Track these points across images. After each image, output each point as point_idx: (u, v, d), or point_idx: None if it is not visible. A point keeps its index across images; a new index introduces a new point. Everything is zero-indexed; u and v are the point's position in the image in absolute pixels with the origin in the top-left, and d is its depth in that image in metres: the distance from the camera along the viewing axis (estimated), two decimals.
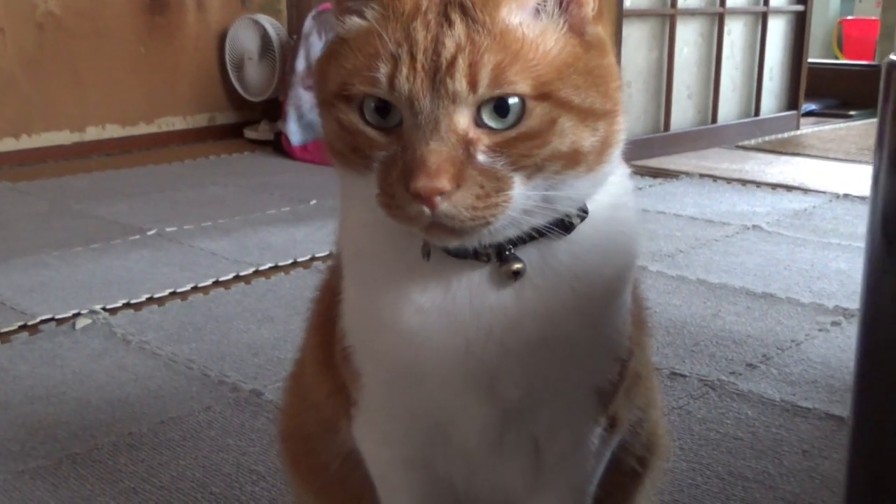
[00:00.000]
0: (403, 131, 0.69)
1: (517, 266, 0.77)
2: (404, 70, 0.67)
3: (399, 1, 0.69)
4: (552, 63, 0.69)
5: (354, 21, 0.72)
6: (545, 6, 0.71)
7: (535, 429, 0.87)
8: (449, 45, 0.67)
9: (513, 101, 0.68)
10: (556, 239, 0.77)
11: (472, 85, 0.67)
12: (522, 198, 0.70)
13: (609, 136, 0.73)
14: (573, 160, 0.71)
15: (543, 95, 0.68)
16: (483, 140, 0.68)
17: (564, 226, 0.77)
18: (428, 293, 0.78)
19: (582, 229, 0.78)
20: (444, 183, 0.66)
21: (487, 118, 0.68)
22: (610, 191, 0.79)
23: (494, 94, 0.67)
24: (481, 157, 0.68)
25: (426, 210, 0.67)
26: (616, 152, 0.75)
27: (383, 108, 0.69)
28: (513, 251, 0.77)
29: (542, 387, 0.82)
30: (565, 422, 0.87)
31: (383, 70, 0.68)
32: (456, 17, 0.68)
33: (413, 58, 0.67)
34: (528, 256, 0.77)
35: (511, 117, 0.68)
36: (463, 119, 0.68)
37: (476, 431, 0.85)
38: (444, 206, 0.67)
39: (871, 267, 0.96)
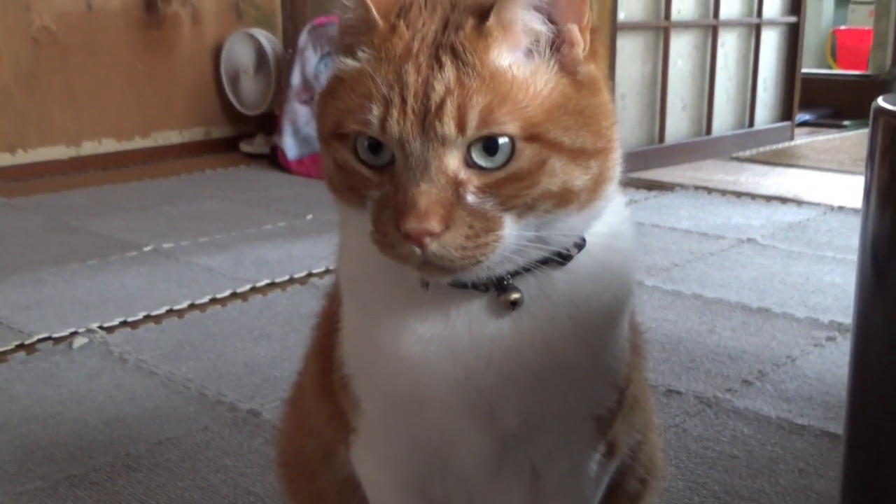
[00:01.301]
0: (395, 171, 0.70)
1: (515, 296, 0.77)
2: (395, 113, 0.68)
3: (391, 43, 0.71)
4: (542, 104, 0.70)
5: (350, 61, 0.73)
6: (537, 47, 0.72)
7: (534, 455, 0.87)
8: (438, 88, 0.68)
9: (502, 141, 0.69)
10: (554, 269, 0.78)
11: (461, 127, 0.68)
12: (514, 237, 0.71)
13: (602, 174, 0.74)
14: (565, 199, 0.72)
15: (533, 137, 0.69)
16: (473, 181, 0.69)
17: (562, 256, 0.78)
18: (427, 322, 0.79)
19: (579, 259, 0.79)
20: (434, 224, 0.67)
21: (477, 158, 0.69)
22: (607, 220, 0.80)
23: (483, 133, 0.68)
24: (471, 198, 0.69)
25: (417, 250, 0.68)
26: (610, 187, 0.76)
27: (376, 146, 0.70)
28: (511, 281, 0.77)
29: (541, 415, 0.83)
30: (564, 448, 0.88)
31: (375, 112, 0.69)
32: (446, 60, 0.69)
33: (404, 100, 0.68)
34: (526, 286, 0.78)
35: (500, 157, 0.69)
36: (453, 160, 0.69)
37: (475, 457, 0.86)
38: (433, 246, 0.68)
39: (861, 297, 0.98)
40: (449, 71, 0.68)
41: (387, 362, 0.81)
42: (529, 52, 0.72)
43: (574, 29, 0.73)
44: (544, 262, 0.76)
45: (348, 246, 0.85)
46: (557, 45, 0.72)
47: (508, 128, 0.68)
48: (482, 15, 0.71)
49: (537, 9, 0.71)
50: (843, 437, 1.01)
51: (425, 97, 0.68)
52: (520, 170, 0.69)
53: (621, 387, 0.88)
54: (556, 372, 0.80)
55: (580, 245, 0.79)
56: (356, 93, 0.71)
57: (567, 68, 0.72)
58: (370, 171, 0.71)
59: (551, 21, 0.72)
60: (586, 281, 0.80)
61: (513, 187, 0.70)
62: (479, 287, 0.77)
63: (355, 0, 0.73)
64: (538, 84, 0.70)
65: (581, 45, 0.73)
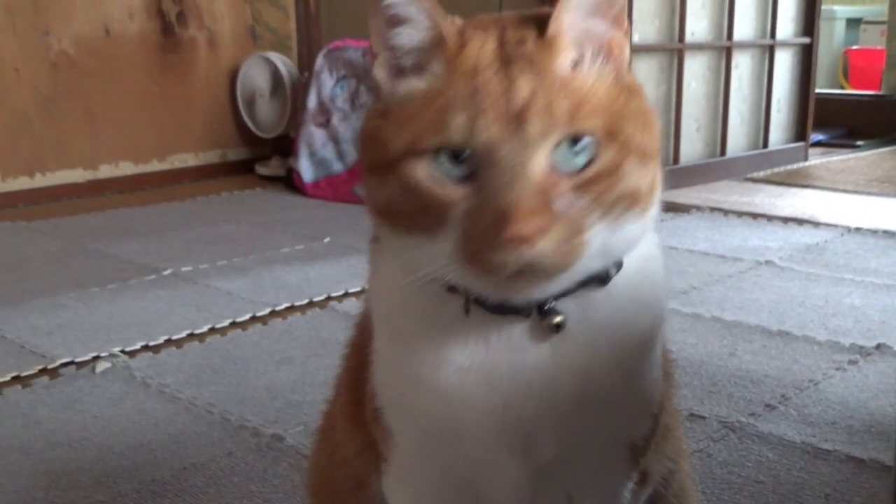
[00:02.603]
0: (482, 181, 0.69)
1: (559, 319, 0.77)
2: (481, 118, 0.68)
3: (462, 58, 0.72)
4: (610, 106, 0.72)
5: (412, 81, 0.74)
6: (594, 53, 0.74)
7: (569, 485, 0.87)
8: (521, 92, 0.69)
9: (587, 140, 0.70)
10: (594, 291, 0.78)
11: (549, 127, 0.68)
12: (597, 241, 0.72)
13: (655, 177, 0.75)
14: (634, 200, 0.73)
15: (611, 135, 0.71)
16: (562, 183, 0.69)
17: (601, 278, 0.78)
18: (467, 351, 0.79)
19: (617, 281, 0.79)
20: (533, 227, 0.67)
21: (563, 161, 0.69)
22: (641, 243, 0.81)
23: (570, 132, 0.69)
24: (561, 201, 0.69)
25: (515, 256, 0.67)
26: (659, 196, 0.77)
27: (455, 161, 0.70)
28: (553, 305, 0.77)
29: (578, 443, 0.83)
30: (599, 478, 0.88)
31: (459, 120, 0.69)
32: (523, 67, 0.70)
33: (488, 106, 0.69)
34: (566, 309, 0.78)
35: (584, 158, 0.70)
36: (541, 163, 0.69)
37: (509, 488, 0.86)
38: (531, 250, 0.67)
39: None
40: (526, 79, 0.69)
41: (423, 393, 0.81)
42: (590, 58, 0.74)
43: (620, 35, 0.75)
44: (585, 283, 0.77)
45: (383, 277, 0.85)
46: (609, 53, 0.75)
47: (590, 125, 0.70)
48: (540, 26, 0.73)
49: (591, 15, 0.74)
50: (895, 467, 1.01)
51: (509, 102, 0.69)
52: (602, 169, 0.70)
53: (655, 413, 0.88)
54: (594, 397, 0.81)
55: (618, 266, 0.79)
56: (432, 108, 0.71)
57: (619, 76, 0.74)
58: (452, 187, 0.70)
59: (603, 28, 0.74)
60: (624, 303, 0.81)
61: (598, 187, 0.70)
62: (522, 312, 0.78)
63: (427, 21, 0.73)
64: (603, 87, 0.72)
65: (627, 52, 0.76)
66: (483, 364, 0.79)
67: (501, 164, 0.68)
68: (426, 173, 0.71)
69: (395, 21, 0.74)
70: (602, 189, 0.70)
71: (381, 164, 0.73)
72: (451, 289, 0.78)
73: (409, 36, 0.74)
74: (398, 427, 0.87)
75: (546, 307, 0.77)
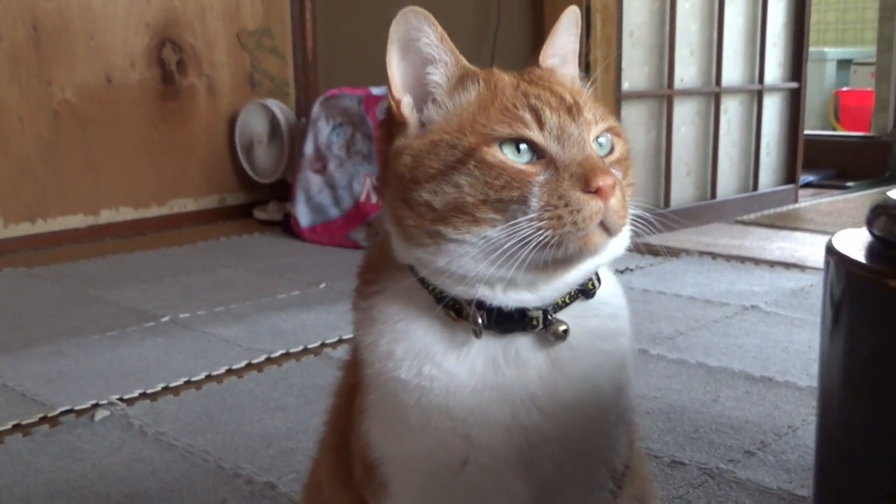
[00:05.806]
0: (552, 156, 0.83)
1: (564, 327, 0.87)
2: (547, 111, 0.84)
3: (496, 79, 0.88)
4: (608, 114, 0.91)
5: (456, 98, 0.87)
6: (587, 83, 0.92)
7: None
8: (566, 96, 0.86)
9: (608, 135, 0.88)
10: (583, 303, 0.89)
11: (596, 116, 0.86)
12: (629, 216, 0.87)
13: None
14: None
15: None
16: (604, 160, 0.86)
17: (586, 291, 0.90)
18: (477, 374, 0.86)
19: (598, 295, 0.91)
20: (611, 181, 0.80)
21: (596, 148, 0.87)
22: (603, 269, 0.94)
23: (606, 126, 0.87)
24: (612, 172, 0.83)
25: (602, 205, 0.80)
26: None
27: (517, 150, 0.83)
28: (554, 316, 0.87)
29: (572, 457, 0.89)
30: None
31: (528, 117, 0.83)
32: (551, 81, 0.89)
33: (547, 102, 0.85)
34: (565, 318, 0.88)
35: (607, 147, 0.88)
36: (593, 144, 0.86)
37: None
38: (609, 202, 0.81)
39: (822, 337, 1.07)
40: (562, 88, 0.88)
41: (434, 423, 0.86)
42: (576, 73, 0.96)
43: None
44: (575, 296, 0.88)
45: (388, 315, 0.90)
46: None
47: (612, 123, 0.89)
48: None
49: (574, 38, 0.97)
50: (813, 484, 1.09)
51: (561, 100, 0.85)
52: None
53: (632, 440, 0.96)
54: (588, 402, 0.88)
55: (599, 280, 0.91)
56: (494, 108, 0.84)
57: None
58: (526, 164, 0.82)
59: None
60: (606, 314, 0.91)
61: (619, 169, 0.87)
62: (527, 326, 0.86)
63: (453, 63, 0.87)
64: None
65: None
66: (493, 383, 0.86)
67: (570, 140, 0.83)
68: (501, 156, 0.82)
69: (429, 61, 0.86)
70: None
71: (445, 167, 0.83)
72: (459, 313, 0.86)
73: (440, 70, 0.87)
74: (397, 475, 0.91)
75: (548, 318, 0.87)
